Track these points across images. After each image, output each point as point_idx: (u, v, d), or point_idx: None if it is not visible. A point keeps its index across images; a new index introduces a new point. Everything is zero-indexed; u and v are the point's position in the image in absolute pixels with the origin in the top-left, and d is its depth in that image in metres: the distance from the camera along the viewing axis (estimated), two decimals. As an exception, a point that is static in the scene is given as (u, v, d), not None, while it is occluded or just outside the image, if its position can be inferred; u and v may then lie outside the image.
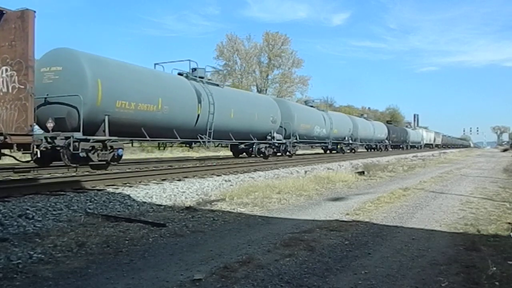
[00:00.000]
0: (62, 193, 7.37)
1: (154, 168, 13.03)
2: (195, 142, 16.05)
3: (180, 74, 15.89)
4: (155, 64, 15.63)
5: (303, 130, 23.25)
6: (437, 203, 7.79)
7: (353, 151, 33.56)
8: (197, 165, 14.96)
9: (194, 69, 16.26)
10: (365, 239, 4.87)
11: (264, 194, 8.05)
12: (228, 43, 52.13)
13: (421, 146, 63.37)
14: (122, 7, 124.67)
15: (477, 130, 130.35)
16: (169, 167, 13.67)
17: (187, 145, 17.41)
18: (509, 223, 5.67)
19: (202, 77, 16.38)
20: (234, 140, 18.01)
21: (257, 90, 49.36)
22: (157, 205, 7.04)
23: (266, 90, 51.48)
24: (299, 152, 31.04)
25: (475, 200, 8.05)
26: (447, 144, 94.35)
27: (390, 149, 47.35)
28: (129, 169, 12.65)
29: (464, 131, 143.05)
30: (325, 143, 28.44)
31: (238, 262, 3.86)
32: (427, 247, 4.53)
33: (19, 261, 3.76)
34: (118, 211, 6.44)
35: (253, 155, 19.78)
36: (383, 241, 4.79)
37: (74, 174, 10.47)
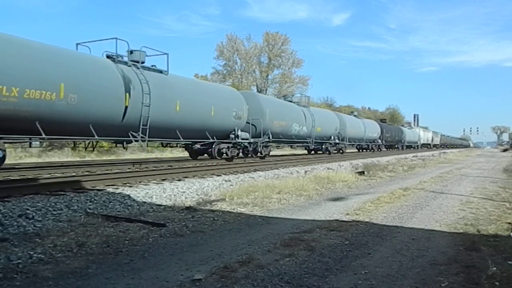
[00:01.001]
0: (62, 193, 7.37)
1: (154, 168, 13.03)
2: (126, 142, 12.86)
3: (109, 56, 12.56)
4: (77, 44, 12.45)
5: (277, 127, 20.37)
6: (437, 203, 7.79)
7: (340, 151, 30.49)
8: (197, 165, 14.95)
9: (131, 52, 13.04)
10: (365, 239, 4.87)
11: (264, 194, 8.05)
12: (228, 43, 52.24)
13: (418, 146, 60.65)
14: (122, 7, 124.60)
15: (477, 130, 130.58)
16: (169, 167, 13.67)
17: (120, 145, 14.61)
18: (509, 223, 5.67)
19: (138, 62, 12.91)
20: (182, 139, 14.56)
21: (257, 90, 49.36)
22: (157, 205, 7.04)
23: (266, 90, 51.50)
24: (276, 152, 30.18)
25: (475, 200, 8.05)
26: (446, 144, 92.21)
27: (384, 149, 45.29)
28: (129, 169, 12.66)
29: (464, 131, 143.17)
30: (306, 142, 25.19)
31: (238, 262, 3.86)
32: (427, 247, 4.53)
33: (19, 261, 3.76)
34: (118, 211, 6.44)
35: (218, 158, 16.81)
36: (383, 241, 4.79)
37: (74, 174, 10.47)
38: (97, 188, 8.10)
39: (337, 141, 29.39)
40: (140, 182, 9.28)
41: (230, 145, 17.21)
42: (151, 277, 3.46)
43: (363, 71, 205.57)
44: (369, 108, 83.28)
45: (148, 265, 3.80)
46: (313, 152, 28.85)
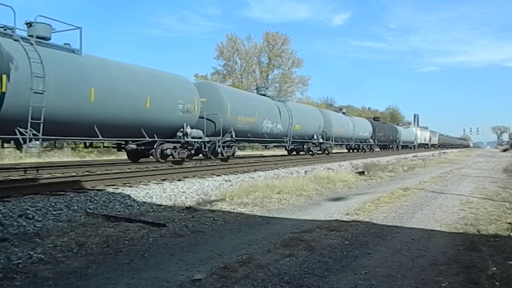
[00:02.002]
0: (62, 193, 7.38)
1: (154, 168, 13.02)
2: (11, 141, 9.77)
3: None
4: None
5: (243, 124, 17.51)
6: (437, 203, 7.79)
7: (326, 152, 27.71)
8: (197, 165, 14.95)
9: (29, 24, 10.18)
10: (365, 239, 4.87)
11: (264, 194, 8.05)
12: (228, 43, 52.27)
13: (414, 146, 58.15)
14: (123, 7, 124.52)
15: (477, 130, 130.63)
16: (169, 167, 13.66)
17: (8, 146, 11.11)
18: (509, 223, 5.67)
19: (44, 38, 10.15)
20: (101, 138, 11.27)
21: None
22: (157, 205, 7.04)
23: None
24: (246, 153, 28.62)
25: (475, 200, 8.05)
26: (445, 144, 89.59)
27: (378, 149, 43.51)
28: (129, 169, 12.65)
29: (464, 131, 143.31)
30: (282, 142, 22.25)
31: (238, 262, 3.86)
32: (427, 247, 4.53)
33: (19, 261, 3.76)
34: (118, 211, 6.44)
35: (162, 160, 13.77)
36: (383, 241, 4.79)
37: (74, 174, 10.46)
38: (97, 188, 8.10)
39: (321, 140, 26.12)
40: (140, 182, 9.28)
41: (178, 145, 14.16)
42: (151, 277, 3.46)
43: (363, 71, 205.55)
44: (369, 108, 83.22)
45: (148, 265, 3.80)
46: (294, 153, 26.43)
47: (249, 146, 26.77)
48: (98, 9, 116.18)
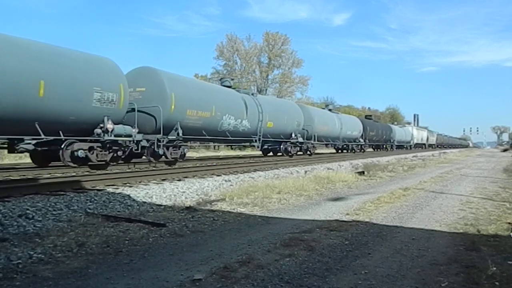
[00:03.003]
0: (62, 193, 7.37)
1: (154, 168, 13.02)
2: None
3: None
4: None
5: (195, 120, 14.49)
6: (437, 203, 7.79)
7: (308, 152, 24.72)
8: (197, 165, 14.95)
9: None
10: (365, 239, 4.87)
11: (264, 194, 8.05)
12: (228, 43, 52.23)
13: (410, 146, 55.16)
14: (123, 7, 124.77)
15: (477, 130, 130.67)
16: (169, 167, 13.66)
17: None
18: (509, 223, 5.67)
19: None
20: None
21: (257, 90, 49.39)
22: (157, 205, 7.04)
23: (266, 90, 51.50)
24: (214, 154, 26.00)
25: (475, 200, 8.05)
26: (443, 144, 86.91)
27: (370, 150, 41.19)
28: (129, 169, 12.65)
29: (464, 131, 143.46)
30: (250, 140, 19.00)
31: (238, 262, 3.86)
32: (427, 247, 4.52)
33: (19, 261, 3.76)
34: (118, 211, 6.44)
35: (73, 164, 10.74)
36: (383, 241, 4.79)
37: (74, 174, 10.46)
38: (97, 188, 8.10)
39: (300, 139, 22.88)
40: (140, 182, 9.28)
41: (97, 145, 11.22)
42: (151, 277, 3.46)
43: (364, 71, 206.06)
44: (369, 108, 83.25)
45: (148, 265, 3.80)
46: (271, 153, 23.29)
47: (215, 146, 24.00)
48: (98, 9, 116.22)
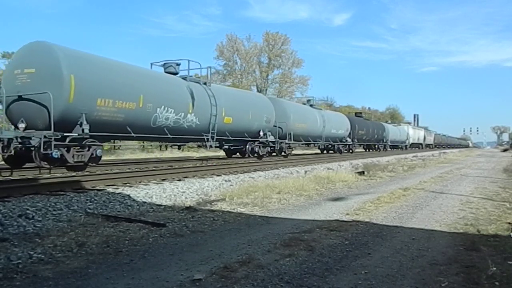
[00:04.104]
0: (62, 193, 7.38)
1: (154, 168, 13.03)
2: None
3: None
4: None
5: (112, 112, 10.91)
6: (437, 203, 7.79)
7: (283, 153, 21.31)
8: (197, 165, 14.93)
9: None
10: (365, 239, 4.87)
11: (264, 194, 8.05)
12: (228, 43, 52.18)
13: (406, 146, 51.91)
14: (123, 7, 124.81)
15: (477, 130, 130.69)
16: (169, 167, 13.66)
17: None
18: (509, 223, 5.67)
19: None
20: None
21: (257, 90, 49.38)
22: (157, 205, 7.04)
23: (266, 90, 51.51)
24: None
25: (475, 200, 8.05)
26: (442, 144, 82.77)
27: (362, 150, 38.80)
28: (129, 169, 12.66)
29: (464, 131, 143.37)
30: (200, 139, 15.40)
31: (238, 262, 3.86)
32: (427, 247, 4.53)
33: (19, 261, 3.76)
34: (118, 211, 6.44)
35: None
36: (383, 241, 4.79)
37: (74, 174, 10.46)
38: (97, 188, 8.10)
39: (271, 138, 19.37)
40: (140, 182, 9.28)
41: None
42: (151, 277, 3.46)
43: (364, 71, 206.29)
44: (369, 108, 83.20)
45: (148, 265, 3.80)
46: (238, 154, 19.35)
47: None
48: (98, 9, 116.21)
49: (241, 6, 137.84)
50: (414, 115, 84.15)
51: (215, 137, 15.46)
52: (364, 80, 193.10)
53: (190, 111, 14.04)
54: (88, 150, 10.59)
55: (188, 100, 14.01)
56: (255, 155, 18.67)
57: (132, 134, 11.99)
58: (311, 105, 27.25)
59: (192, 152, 24.17)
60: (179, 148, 19.11)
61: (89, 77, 10.33)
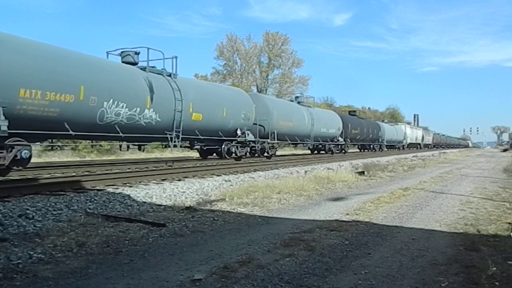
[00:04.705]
0: (62, 193, 7.37)
1: (154, 168, 13.02)
2: None
3: None
4: None
5: (41, 106, 9.14)
6: (437, 203, 7.79)
7: (265, 153, 19.60)
8: (197, 165, 14.92)
9: None
10: (365, 239, 4.87)
11: (264, 194, 8.05)
12: (228, 43, 52.27)
13: (403, 146, 50.24)
14: (124, 7, 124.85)
15: (477, 130, 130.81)
16: (169, 167, 13.66)
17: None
18: (509, 223, 5.67)
19: None
20: None
21: (257, 90, 49.39)
22: (157, 205, 7.04)
23: (266, 90, 51.52)
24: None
25: (475, 200, 8.05)
26: (441, 144, 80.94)
27: (356, 151, 37.46)
28: (129, 169, 12.65)
29: (464, 131, 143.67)
30: (162, 138, 13.61)
31: (238, 262, 3.86)
32: (427, 247, 4.53)
33: (19, 261, 3.76)
34: (118, 211, 6.44)
35: None
36: (383, 241, 4.79)
37: (74, 174, 10.46)
38: (97, 188, 8.09)
39: (251, 137, 17.57)
40: (140, 182, 9.27)
41: None
42: (151, 277, 3.46)
43: (364, 71, 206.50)
44: (369, 108, 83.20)
45: (148, 265, 3.80)
46: (210, 156, 17.92)
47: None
48: (98, 9, 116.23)
49: (242, 6, 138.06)
50: (414, 115, 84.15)
51: (181, 135, 13.61)
52: (364, 80, 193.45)
53: (148, 106, 12.24)
54: (10, 151, 8.69)
55: (146, 94, 12.20)
56: (231, 155, 16.92)
57: (71, 132, 10.09)
58: (298, 102, 25.41)
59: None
60: (139, 149, 16.05)
61: (7, 63, 8.47)
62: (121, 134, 11.61)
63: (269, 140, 19.33)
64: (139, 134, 12.37)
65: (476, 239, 4.80)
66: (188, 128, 13.98)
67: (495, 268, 3.60)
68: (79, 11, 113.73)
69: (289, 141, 22.94)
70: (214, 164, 14.89)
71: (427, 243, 4.74)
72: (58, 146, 19.00)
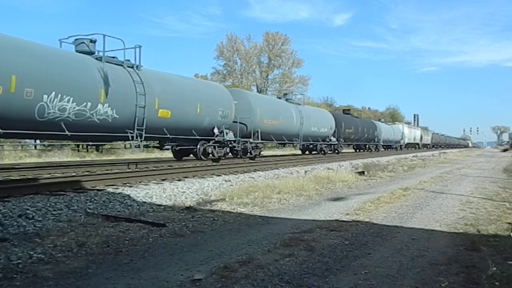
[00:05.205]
0: (62, 193, 7.37)
1: (154, 168, 13.02)
2: None
3: None
4: None
5: None
6: (437, 203, 7.79)
7: (248, 154, 18.13)
8: (197, 165, 14.91)
9: None
10: (365, 239, 4.87)
11: (264, 194, 8.05)
12: (228, 43, 52.29)
13: (401, 146, 49.14)
14: (124, 7, 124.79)
15: (477, 130, 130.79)
16: (169, 167, 13.66)
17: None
18: (509, 223, 5.67)
19: None
20: None
21: (257, 90, 49.41)
22: (157, 205, 7.03)
23: (266, 90, 51.53)
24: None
25: (475, 200, 8.05)
26: (440, 144, 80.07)
27: (352, 151, 36.37)
28: (129, 169, 12.65)
29: (464, 131, 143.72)
30: (122, 137, 12.56)
31: (238, 262, 3.86)
32: (427, 247, 4.53)
33: (19, 261, 3.76)
34: (118, 211, 6.44)
35: None
36: (383, 241, 4.79)
37: (74, 174, 10.46)
38: (97, 188, 8.09)
39: (230, 137, 16.25)
40: (140, 182, 9.27)
41: None
42: (151, 277, 3.46)
43: (364, 71, 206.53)
44: (369, 108, 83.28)
45: (148, 265, 3.80)
46: (186, 157, 16.53)
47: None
48: (99, 9, 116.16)
49: (242, 6, 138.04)
50: (414, 115, 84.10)
51: (144, 134, 12.09)
52: (364, 80, 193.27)
53: (102, 101, 10.70)
54: None
55: (99, 86, 10.66)
56: (207, 156, 15.47)
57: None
58: (287, 100, 23.91)
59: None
60: (97, 150, 13.60)
61: None
62: (67, 133, 10.08)
63: (251, 140, 17.89)
64: (92, 133, 10.88)
65: (476, 239, 4.80)
66: (154, 126, 12.54)
67: (495, 268, 3.60)
68: (79, 11, 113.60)
69: (275, 141, 21.38)
70: (214, 164, 14.89)
71: (427, 243, 4.74)
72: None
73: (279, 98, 24.99)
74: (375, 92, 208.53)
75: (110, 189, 8.02)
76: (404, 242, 4.76)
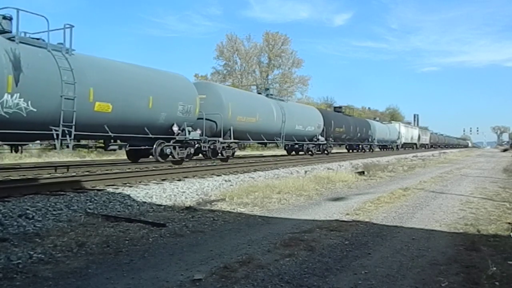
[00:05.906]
0: (62, 193, 7.37)
1: (154, 168, 13.01)
2: None
3: None
4: None
5: None
6: (437, 203, 7.79)
7: (219, 155, 16.48)
8: (197, 165, 14.91)
9: None
10: (365, 239, 4.87)
11: (264, 194, 8.05)
12: (228, 43, 52.34)
13: (397, 146, 46.96)
14: (124, 7, 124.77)
15: (477, 130, 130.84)
16: (169, 167, 13.65)
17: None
18: (509, 223, 5.67)
19: None
20: None
21: (257, 90, 49.37)
22: (157, 205, 7.03)
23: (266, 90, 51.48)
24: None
25: (475, 200, 8.05)
26: (439, 144, 78.37)
27: (344, 151, 34.83)
28: (129, 169, 12.65)
29: (464, 131, 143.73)
30: (43, 136, 10.19)
31: (238, 262, 3.86)
32: (427, 247, 4.53)
33: (19, 261, 3.76)
34: (118, 211, 6.44)
35: None
36: (383, 241, 4.79)
37: (74, 174, 10.45)
38: (97, 188, 8.09)
39: (193, 136, 14.37)
40: (140, 182, 9.27)
41: None
42: (151, 277, 3.46)
43: (364, 71, 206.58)
44: (369, 108, 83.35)
45: (148, 265, 3.80)
46: (143, 159, 14.59)
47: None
48: (99, 9, 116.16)
49: (242, 6, 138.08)
50: (414, 115, 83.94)
51: (73, 132, 9.92)
52: (364, 80, 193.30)
53: (10, 90, 8.57)
54: None
55: (5, 72, 8.49)
56: (165, 158, 13.48)
57: None
58: (268, 95, 21.86)
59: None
60: (16, 151, 10.45)
61: None
62: None
63: (221, 139, 15.96)
64: (6, 130, 8.68)
65: (476, 239, 4.80)
66: (90, 123, 10.49)
67: (495, 268, 3.60)
68: (79, 11, 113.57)
69: (252, 140, 19.27)
70: (214, 164, 14.87)
71: (427, 243, 4.74)
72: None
73: (259, 93, 23.30)
74: (375, 92, 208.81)
75: (110, 189, 8.02)
76: (404, 242, 4.76)
